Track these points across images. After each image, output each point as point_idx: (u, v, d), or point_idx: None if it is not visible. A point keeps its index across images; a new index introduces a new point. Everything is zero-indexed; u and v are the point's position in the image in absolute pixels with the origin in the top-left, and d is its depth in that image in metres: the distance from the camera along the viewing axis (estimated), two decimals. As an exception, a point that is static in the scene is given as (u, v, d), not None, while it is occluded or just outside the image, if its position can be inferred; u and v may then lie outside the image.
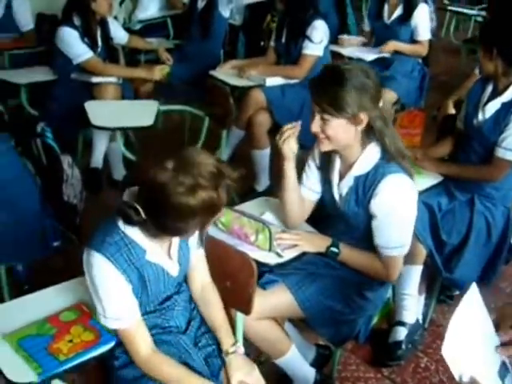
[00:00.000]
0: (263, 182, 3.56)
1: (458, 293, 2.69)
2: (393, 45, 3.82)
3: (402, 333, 2.32)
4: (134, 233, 1.51)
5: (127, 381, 1.60)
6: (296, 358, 2.05)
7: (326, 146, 1.85)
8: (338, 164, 1.92)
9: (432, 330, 2.58)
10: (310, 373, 2.11)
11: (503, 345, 1.22)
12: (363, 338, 2.05)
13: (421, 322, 2.46)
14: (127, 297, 1.54)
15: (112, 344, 1.59)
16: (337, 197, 1.94)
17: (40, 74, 3.75)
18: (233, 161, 3.79)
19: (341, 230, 1.97)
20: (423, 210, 2.30)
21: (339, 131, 1.79)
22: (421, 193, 2.30)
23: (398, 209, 1.80)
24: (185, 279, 1.76)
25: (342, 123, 1.77)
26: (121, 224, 1.51)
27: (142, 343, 1.56)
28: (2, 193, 2.38)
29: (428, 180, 2.42)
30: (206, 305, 1.75)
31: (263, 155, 3.49)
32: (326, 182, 1.99)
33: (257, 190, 3.50)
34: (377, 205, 1.81)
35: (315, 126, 1.81)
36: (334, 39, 4.12)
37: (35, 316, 1.65)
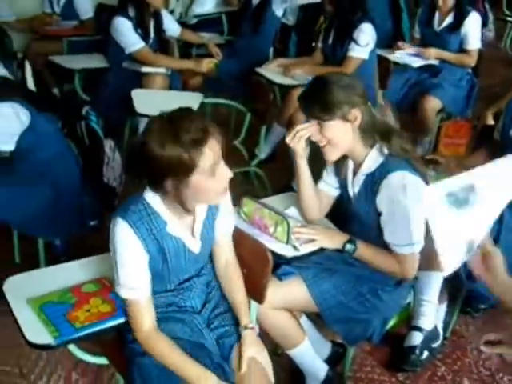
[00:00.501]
0: (300, 181, 3.58)
1: (484, 306, 2.67)
2: (434, 51, 3.77)
3: (417, 338, 2.31)
4: (157, 204, 1.60)
5: (137, 354, 1.67)
6: (308, 352, 2.09)
7: (331, 154, 1.92)
8: (351, 164, 1.98)
9: (453, 341, 2.56)
10: (322, 368, 2.14)
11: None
12: (377, 339, 2.06)
13: (441, 330, 2.44)
14: (143, 269, 1.61)
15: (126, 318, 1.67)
16: (351, 195, 1.99)
17: (94, 61, 3.93)
18: (273, 158, 3.87)
19: (357, 228, 2.00)
20: (449, 217, 2.29)
21: (337, 132, 1.86)
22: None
23: (400, 205, 1.82)
24: (210, 259, 1.83)
25: (338, 123, 1.85)
26: (146, 195, 1.59)
27: (148, 318, 1.62)
28: (46, 168, 2.53)
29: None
30: (228, 281, 1.81)
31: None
32: (342, 181, 2.03)
33: (294, 188, 3.53)
34: (380, 201, 1.85)
35: (315, 135, 1.90)
36: (387, 44, 4.12)
37: (60, 285, 1.76)
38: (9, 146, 2.45)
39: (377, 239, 1.92)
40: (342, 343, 2.29)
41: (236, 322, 1.76)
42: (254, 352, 1.68)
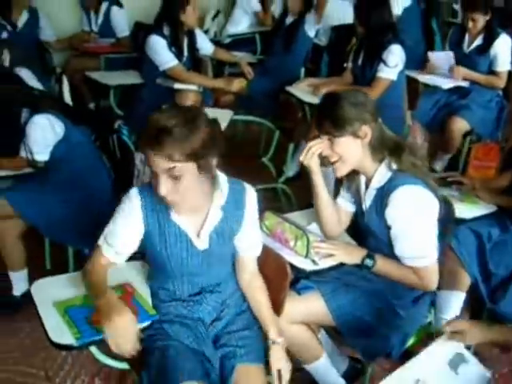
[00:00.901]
0: (327, 199, 3.60)
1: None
2: (463, 70, 3.78)
3: (437, 357, 2.30)
4: None
5: (146, 353, 1.72)
6: (326, 366, 2.10)
7: (341, 169, 1.95)
8: (363, 178, 2.00)
9: (475, 363, 2.53)
10: (339, 383, 2.15)
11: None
12: (396, 355, 2.05)
13: (462, 351, 2.42)
14: (131, 237, 1.72)
15: (147, 323, 1.73)
16: (364, 209, 2.01)
17: (129, 78, 4.06)
18: (300, 175, 3.91)
19: (372, 243, 2.02)
20: (472, 237, 2.30)
21: (348, 148, 1.89)
22: (471, 220, 2.33)
23: (407, 218, 1.84)
24: (229, 278, 1.87)
25: (349, 139, 1.88)
26: None
27: (97, 266, 1.75)
28: (79, 179, 2.62)
29: (481, 209, 2.41)
30: (254, 292, 1.86)
31: (328, 172, 3.53)
32: (356, 196, 2.06)
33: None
34: (388, 215, 1.87)
35: (326, 150, 1.93)
36: (420, 66, 4.12)
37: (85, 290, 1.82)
38: (43, 157, 2.56)
39: (391, 253, 1.94)
40: (359, 359, 2.29)
41: (243, 344, 1.78)
42: (281, 363, 1.76)
